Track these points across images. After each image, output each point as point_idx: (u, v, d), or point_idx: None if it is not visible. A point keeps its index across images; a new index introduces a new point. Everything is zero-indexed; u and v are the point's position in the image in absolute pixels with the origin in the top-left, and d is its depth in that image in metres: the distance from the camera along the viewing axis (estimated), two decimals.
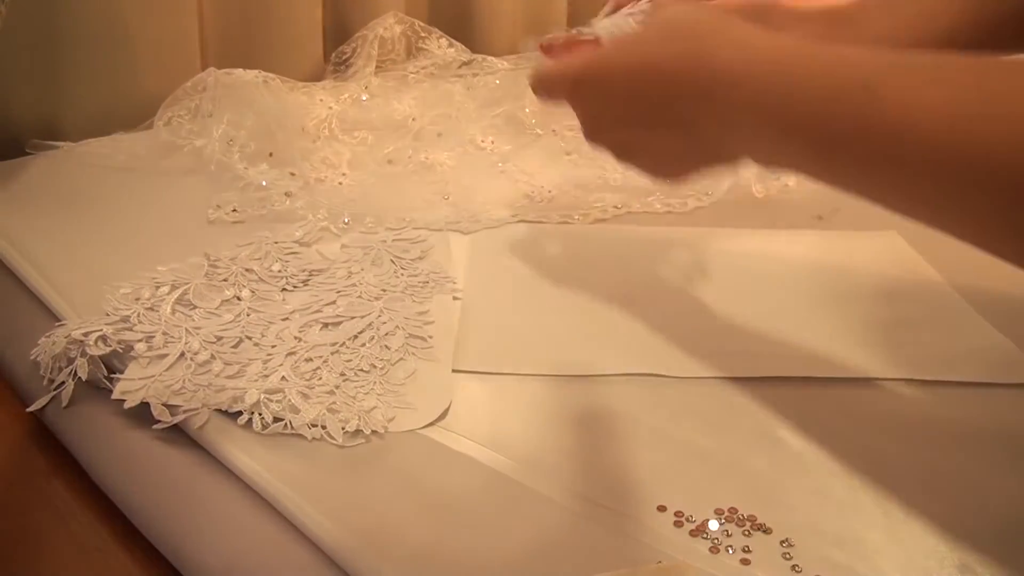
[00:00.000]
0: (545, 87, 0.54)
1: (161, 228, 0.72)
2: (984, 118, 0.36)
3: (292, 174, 0.79)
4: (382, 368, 0.55)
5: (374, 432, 0.50)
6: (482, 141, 0.88)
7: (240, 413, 0.50)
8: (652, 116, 0.48)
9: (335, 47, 1.05)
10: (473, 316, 0.61)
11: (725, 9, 0.56)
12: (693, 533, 0.44)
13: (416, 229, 0.72)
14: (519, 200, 0.78)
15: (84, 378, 0.53)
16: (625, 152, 0.51)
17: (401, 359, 0.56)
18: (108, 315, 0.57)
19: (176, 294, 0.60)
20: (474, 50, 1.09)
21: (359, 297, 0.61)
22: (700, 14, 0.47)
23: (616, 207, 0.77)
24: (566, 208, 0.77)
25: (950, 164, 0.37)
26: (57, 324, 0.57)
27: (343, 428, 0.49)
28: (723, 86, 0.44)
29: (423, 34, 1.08)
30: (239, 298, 0.60)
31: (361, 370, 0.54)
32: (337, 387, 0.52)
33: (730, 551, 0.43)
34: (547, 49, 0.59)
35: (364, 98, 0.95)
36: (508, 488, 0.47)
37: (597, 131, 0.52)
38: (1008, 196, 0.36)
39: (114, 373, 0.53)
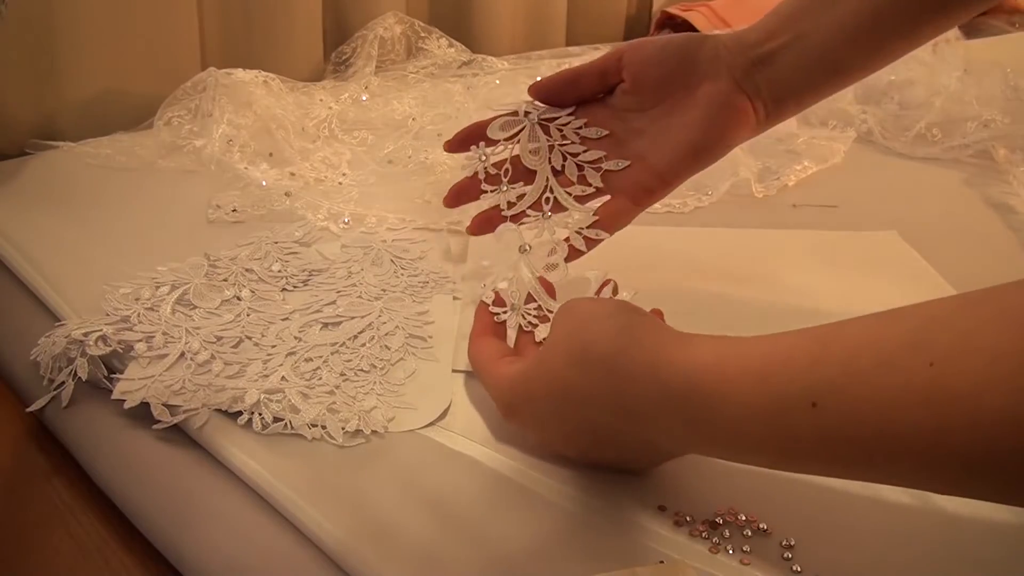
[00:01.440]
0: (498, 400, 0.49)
1: (161, 228, 0.72)
2: (929, 403, 0.33)
3: (292, 174, 0.79)
4: (382, 368, 0.55)
5: (374, 432, 0.50)
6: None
7: (240, 413, 0.50)
8: (591, 432, 0.45)
9: (335, 47, 1.05)
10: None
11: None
12: (693, 533, 0.44)
13: (416, 229, 0.72)
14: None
15: (84, 378, 0.53)
16: (587, 457, 0.47)
17: (401, 359, 0.56)
18: (108, 315, 0.57)
19: (176, 294, 0.60)
20: (474, 50, 1.09)
21: (359, 297, 0.61)
22: (603, 329, 0.43)
23: None
24: None
25: (903, 452, 0.35)
26: (57, 324, 0.57)
27: (343, 428, 0.49)
28: (643, 418, 0.42)
29: (423, 34, 1.08)
30: (239, 298, 0.60)
31: (361, 370, 0.54)
32: (337, 387, 0.52)
33: (730, 551, 0.43)
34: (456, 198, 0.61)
35: (364, 98, 0.96)
36: (508, 488, 0.47)
37: (550, 446, 0.48)
38: (967, 475, 0.34)
39: (114, 373, 0.53)
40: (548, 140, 0.60)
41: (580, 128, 0.60)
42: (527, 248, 0.58)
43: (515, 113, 0.61)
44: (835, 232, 0.76)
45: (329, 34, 1.08)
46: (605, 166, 0.59)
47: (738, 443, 0.40)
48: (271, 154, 0.82)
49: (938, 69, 1.06)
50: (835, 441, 0.36)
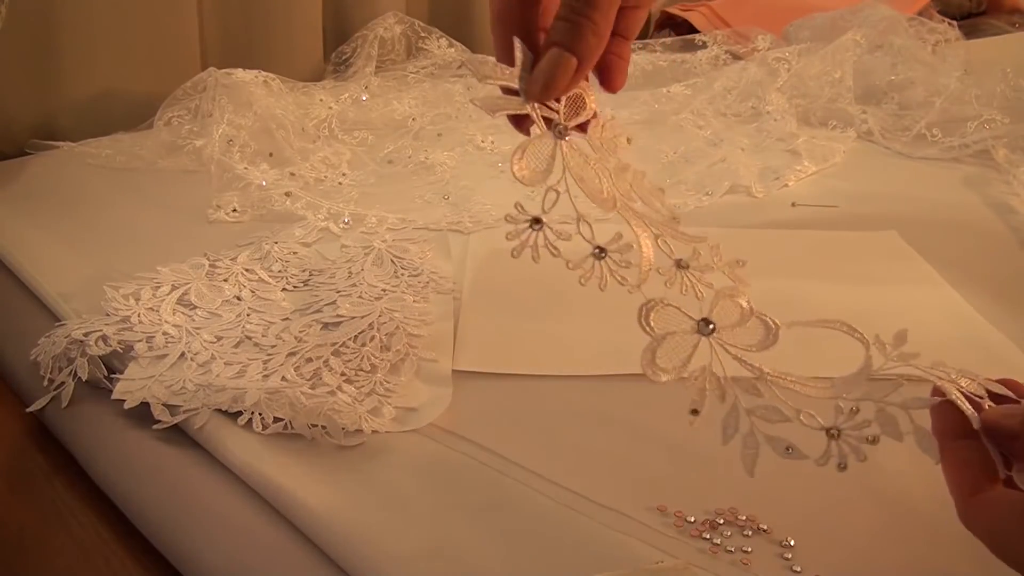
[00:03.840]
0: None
1: (161, 228, 0.72)
2: None
3: (292, 174, 0.79)
4: (382, 368, 0.55)
5: (374, 432, 0.50)
6: (482, 141, 0.88)
7: (240, 413, 0.50)
8: None
9: (335, 47, 1.05)
10: (473, 316, 0.61)
11: None
12: (693, 533, 0.44)
13: (416, 229, 0.72)
14: (519, 200, 0.78)
15: (84, 378, 0.53)
16: None
17: (401, 359, 0.56)
18: (108, 315, 0.57)
19: (176, 294, 0.60)
20: (474, 50, 1.09)
21: (359, 297, 0.61)
22: None
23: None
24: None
25: None
26: (57, 324, 0.57)
27: (343, 428, 0.49)
28: None
29: (423, 34, 1.08)
30: (239, 298, 0.60)
31: (362, 370, 0.54)
32: (338, 387, 0.52)
33: (730, 551, 0.43)
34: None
35: (364, 98, 0.95)
36: (508, 488, 0.47)
37: None
38: None
39: (114, 373, 0.53)
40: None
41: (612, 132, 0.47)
42: (710, 327, 0.41)
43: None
44: (835, 232, 0.76)
45: (329, 34, 1.08)
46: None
47: None
48: (271, 154, 0.82)
49: (938, 69, 1.06)
50: None
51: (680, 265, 0.42)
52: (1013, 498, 0.37)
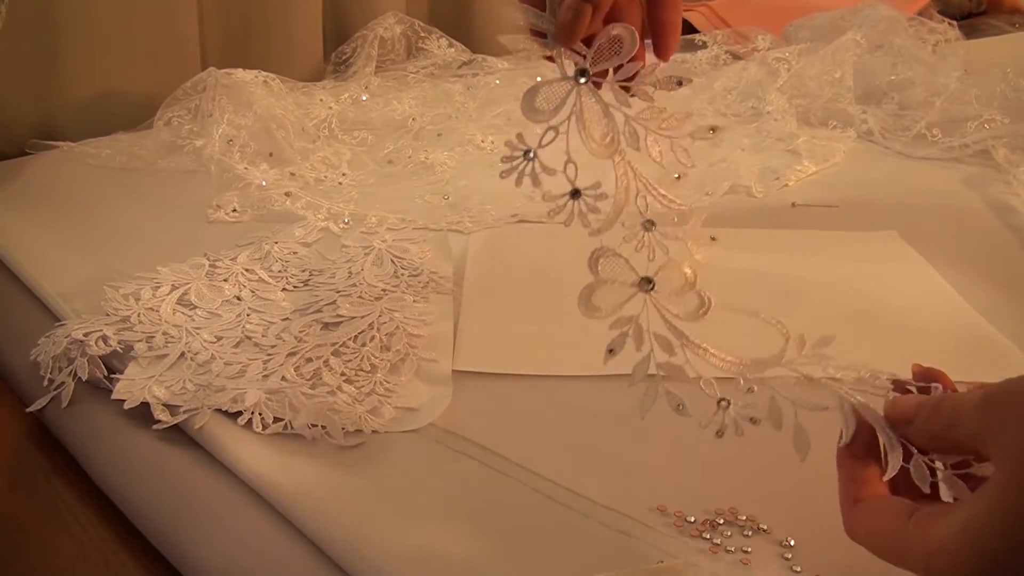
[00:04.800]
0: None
1: (161, 228, 0.72)
2: None
3: (292, 174, 0.79)
4: (382, 368, 0.55)
5: (374, 432, 0.50)
6: (482, 141, 0.88)
7: (240, 413, 0.50)
8: None
9: (335, 47, 1.05)
10: (473, 316, 0.61)
11: None
12: (693, 533, 0.44)
13: (416, 229, 0.72)
14: (519, 200, 0.78)
15: (84, 378, 0.53)
16: None
17: (401, 359, 0.56)
18: (108, 315, 0.57)
19: (176, 294, 0.60)
20: (474, 50, 1.09)
21: (359, 297, 0.61)
22: None
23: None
24: None
25: None
26: (57, 324, 0.57)
27: (343, 428, 0.49)
28: None
29: (423, 34, 1.08)
30: (239, 298, 0.60)
31: (362, 370, 0.54)
32: (338, 387, 0.52)
33: (730, 551, 0.43)
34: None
35: (364, 98, 0.95)
36: (508, 488, 0.47)
37: None
38: None
39: (114, 373, 0.53)
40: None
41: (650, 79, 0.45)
42: (649, 285, 0.43)
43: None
44: (835, 232, 0.76)
45: (329, 34, 1.08)
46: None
47: None
48: (271, 154, 0.82)
49: (938, 69, 1.06)
50: None
51: (646, 227, 0.44)
52: (886, 502, 0.38)
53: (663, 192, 0.44)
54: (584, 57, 0.43)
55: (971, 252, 0.74)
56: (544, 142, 0.43)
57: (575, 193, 0.43)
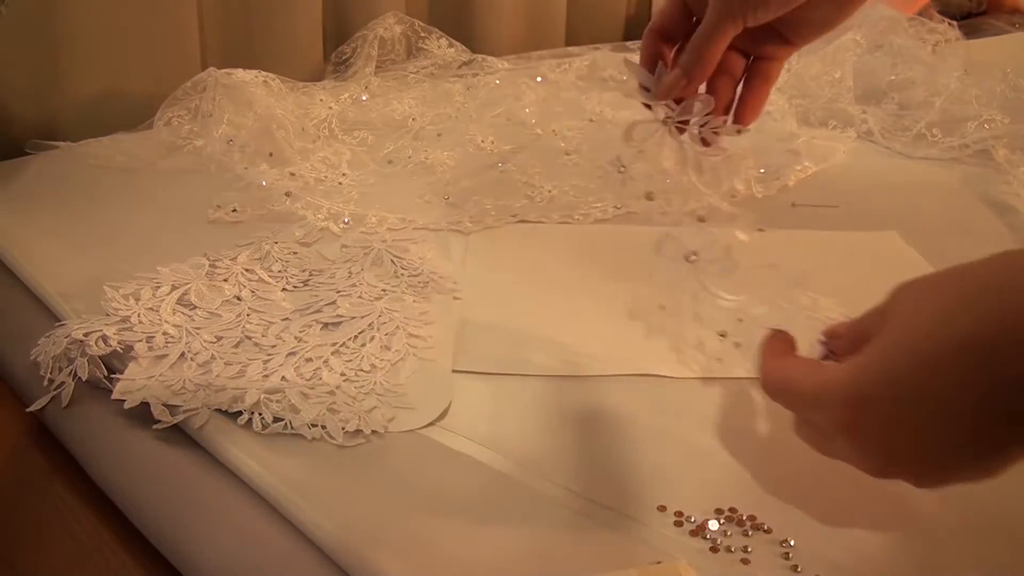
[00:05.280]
0: (785, 398, 0.44)
1: (161, 228, 0.72)
2: None
3: (292, 174, 0.79)
4: (382, 368, 0.55)
5: (374, 432, 0.50)
6: (482, 141, 0.88)
7: (240, 413, 0.50)
8: (947, 445, 0.37)
9: (335, 47, 1.05)
10: (473, 316, 0.61)
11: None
12: (693, 533, 0.44)
13: (416, 229, 0.72)
14: (519, 200, 0.78)
15: (84, 378, 0.53)
16: (933, 475, 0.39)
17: (401, 359, 0.56)
18: (108, 315, 0.57)
19: (176, 294, 0.60)
20: (474, 50, 1.09)
21: (359, 297, 0.61)
22: (976, 314, 0.38)
23: (616, 207, 0.77)
24: (566, 208, 0.77)
25: None
26: (57, 324, 0.57)
27: (343, 428, 0.49)
28: None
29: (423, 34, 1.08)
30: (239, 298, 0.60)
31: (361, 370, 0.54)
32: (337, 387, 0.52)
33: (730, 551, 0.43)
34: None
35: (364, 98, 0.95)
36: (508, 488, 0.47)
37: (892, 465, 0.39)
38: None
39: (114, 373, 0.53)
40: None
41: (718, 128, 0.55)
42: (694, 257, 0.52)
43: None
44: (835, 232, 0.76)
45: (329, 34, 1.08)
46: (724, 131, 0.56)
47: None
48: (271, 154, 0.82)
49: (938, 69, 1.06)
50: None
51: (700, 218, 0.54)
52: (799, 358, 0.45)
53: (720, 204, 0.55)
54: (672, 109, 0.53)
55: (971, 252, 0.73)
56: (632, 158, 0.54)
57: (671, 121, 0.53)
